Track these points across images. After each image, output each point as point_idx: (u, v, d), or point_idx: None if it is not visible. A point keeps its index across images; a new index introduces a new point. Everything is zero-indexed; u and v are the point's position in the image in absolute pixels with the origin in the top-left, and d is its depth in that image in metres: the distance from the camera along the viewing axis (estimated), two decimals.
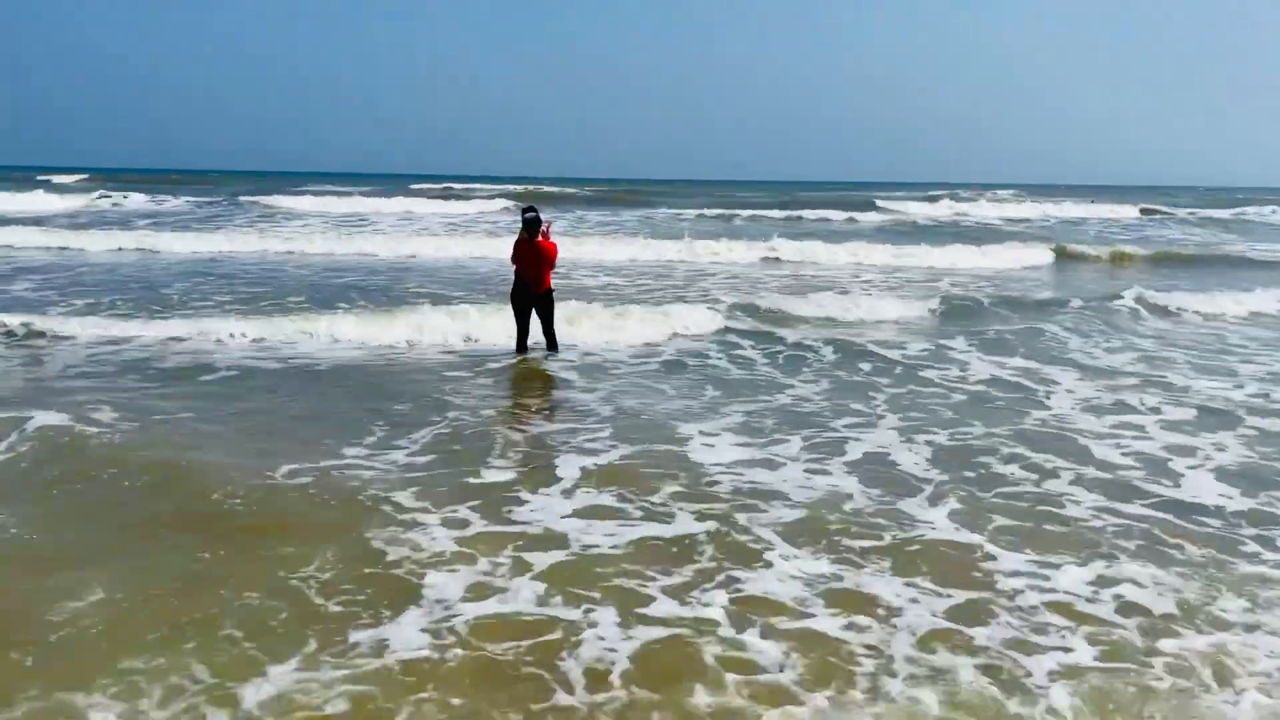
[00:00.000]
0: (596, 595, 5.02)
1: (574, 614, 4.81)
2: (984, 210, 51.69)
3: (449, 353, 11.47)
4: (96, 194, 46.74)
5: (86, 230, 26.71)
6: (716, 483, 6.79)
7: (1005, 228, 38.39)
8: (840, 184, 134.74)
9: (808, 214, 41.85)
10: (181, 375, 9.81)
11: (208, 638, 4.46)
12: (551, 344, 11.36)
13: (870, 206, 49.22)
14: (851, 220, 40.02)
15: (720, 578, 5.26)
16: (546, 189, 61.44)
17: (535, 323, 11.23)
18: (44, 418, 7.81)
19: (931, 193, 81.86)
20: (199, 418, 8.18)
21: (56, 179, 68.37)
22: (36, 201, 41.08)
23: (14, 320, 11.69)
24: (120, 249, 23.14)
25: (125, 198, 45.51)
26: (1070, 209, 52.82)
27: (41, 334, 11.42)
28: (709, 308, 14.28)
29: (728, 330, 13.06)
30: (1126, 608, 5.01)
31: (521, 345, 11.30)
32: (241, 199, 44.60)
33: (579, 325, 12.37)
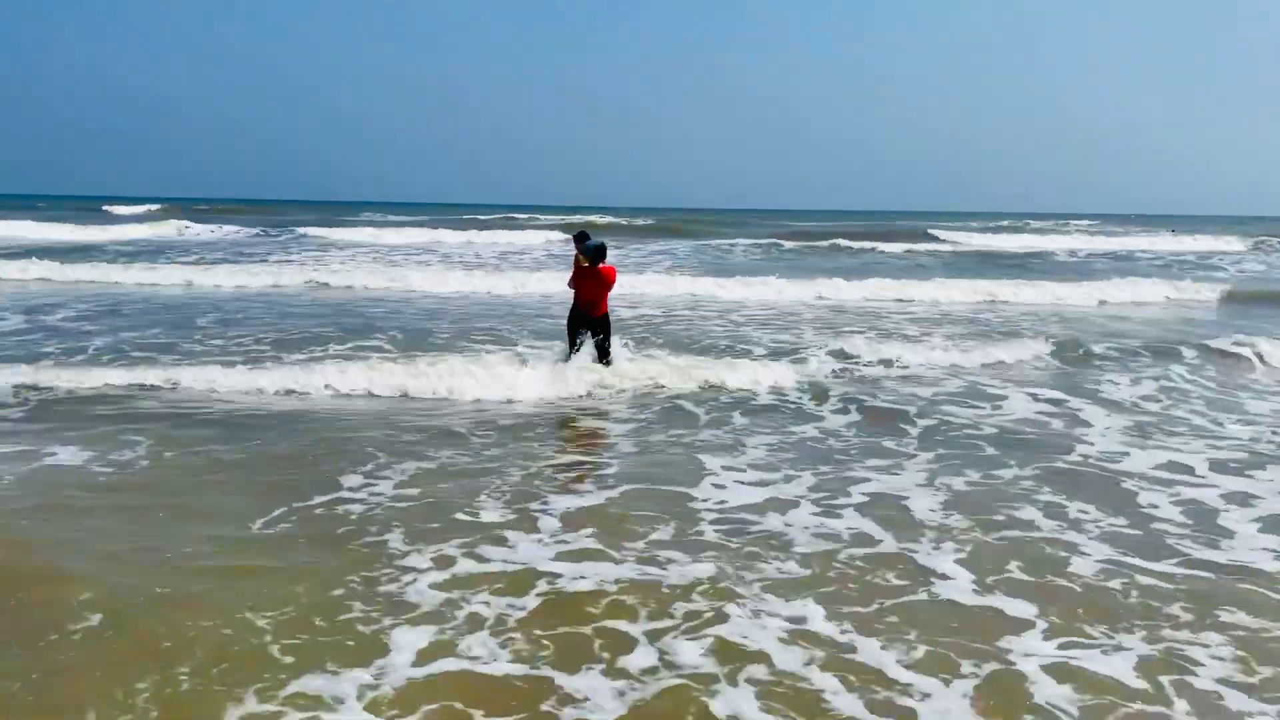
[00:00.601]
0: (583, 644, 4.66)
1: (560, 666, 4.44)
2: (1062, 242, 48.53)
3: (480, 403, 10.73)
4: (162, 223, 48.05)
5: (145, 260, 27.19)
6: (727, 525, 6.38)
7: (1092, 263, 35.78)
8: (891, 213, 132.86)
9: (863, 244, 40.79)
10: (184, 418, 9.31)
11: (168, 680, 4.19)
12: (604, 355, 11.30)
13: (925, 236, 48.36)
14: (910, 252, 38.59)
15: (714, 626, 4.85)
16: (607, 219, 61.13)
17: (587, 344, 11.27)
18: (61, 453, 7.75)
19: (996, 222, 79.92)
20: (193, 461, 7.77)
21: (128, 209, 70.49)
22: (103, 232, 42.09)
23: (20, 375, 10.71)
24: (190, 283, 22.85)
25: (189, 227, 46.65)
26: (1161, 241, 49.88)
27: (46, 388, 10.35)
28: (758, 356, 13.34)
29: (788, 377, 11.51)
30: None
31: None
32: (300, 230, 45.13)
33: (625, 364, 11.57)
